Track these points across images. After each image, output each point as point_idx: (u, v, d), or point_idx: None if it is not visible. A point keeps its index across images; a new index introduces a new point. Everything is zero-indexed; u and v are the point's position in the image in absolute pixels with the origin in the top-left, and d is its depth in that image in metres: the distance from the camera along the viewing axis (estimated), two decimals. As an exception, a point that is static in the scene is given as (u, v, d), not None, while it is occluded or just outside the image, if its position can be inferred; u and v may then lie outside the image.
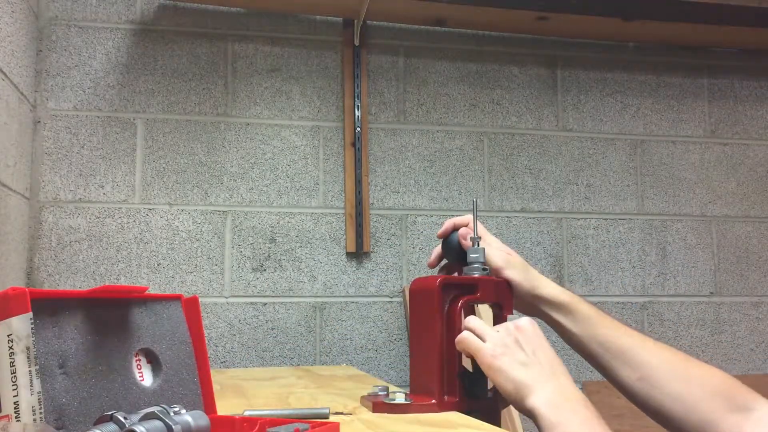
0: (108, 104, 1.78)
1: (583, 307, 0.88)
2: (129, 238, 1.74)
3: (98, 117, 1.77)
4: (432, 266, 0.96)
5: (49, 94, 1.75)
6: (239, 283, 1.79)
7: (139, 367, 0.61)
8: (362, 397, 0.88)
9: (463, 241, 0.90)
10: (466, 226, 0.91)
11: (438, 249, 0.95)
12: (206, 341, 0.71)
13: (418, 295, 0.88)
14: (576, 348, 0.90)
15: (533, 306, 0.90)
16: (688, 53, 2.13)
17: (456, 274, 0.91)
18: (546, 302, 0.89)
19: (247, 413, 0.74)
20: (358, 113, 1.87)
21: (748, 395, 0.78)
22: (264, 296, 1.80)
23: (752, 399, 0.78)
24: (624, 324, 0.88)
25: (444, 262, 0.95)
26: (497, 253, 0.89)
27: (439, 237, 0.94)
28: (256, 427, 0.55)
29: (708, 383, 0.80)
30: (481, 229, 0.90)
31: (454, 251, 0.91)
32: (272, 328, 1.79)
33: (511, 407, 0.76)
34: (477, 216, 0.88)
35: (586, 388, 1.89)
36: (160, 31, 1.83)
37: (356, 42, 1.89)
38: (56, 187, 1.72)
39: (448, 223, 0.93)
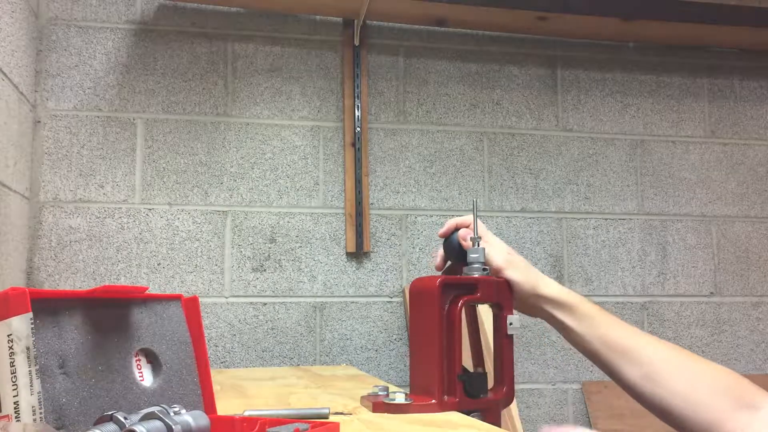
0: (108, 104, 1.78)
1: (585, 306, 0.88)
2: (129, 238, 1.74)
3: (98, 117, 1.77)
4: (439, 269, 0.96)
5: (49, 94, 1.75)
6: (239, 283, 1.79)
7: (139, 367, 0.61)
8: (362, 397, 0.88)
9: (463, 242, 0.90)
10: (467, 226, 0.91)
11: (442, 251, 0.95)
12: (206, 341, 0.71)
13: (418, 295, 0.88)
14: (579, 347, 0.89)
15: (535, 306, 0.90)
16: (688, 53, 2.13)
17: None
18: (548, 301, 0.89)
19: (247, 413, 0.74)
20: (358, 113, 1.87)
21: (756, 393, 0.77)
22: (264, 296, 1.80)
23: (760, 397, 0.77)
24: (627, 323, 0.88)
25: (450, 263, 0.95)
26: (498, 253, 0.89)
27: (441, 236, 0.94)
28: (256, 427, 0.55)
29: (715, 381, 0.79)
30: (483, 230, 0.90)
31: (455, 251, 0.91)
32: (272, 328, 1.79)
33: (511, 407, 0.76)
34: (478, 216, 0.88)
35: (585, 388, 1.89)
36: (160, 31, 1.83)
37: (356, 42, 1.89)
38: (56, 187, 1.72)
39: (450, 223, 0.93)
